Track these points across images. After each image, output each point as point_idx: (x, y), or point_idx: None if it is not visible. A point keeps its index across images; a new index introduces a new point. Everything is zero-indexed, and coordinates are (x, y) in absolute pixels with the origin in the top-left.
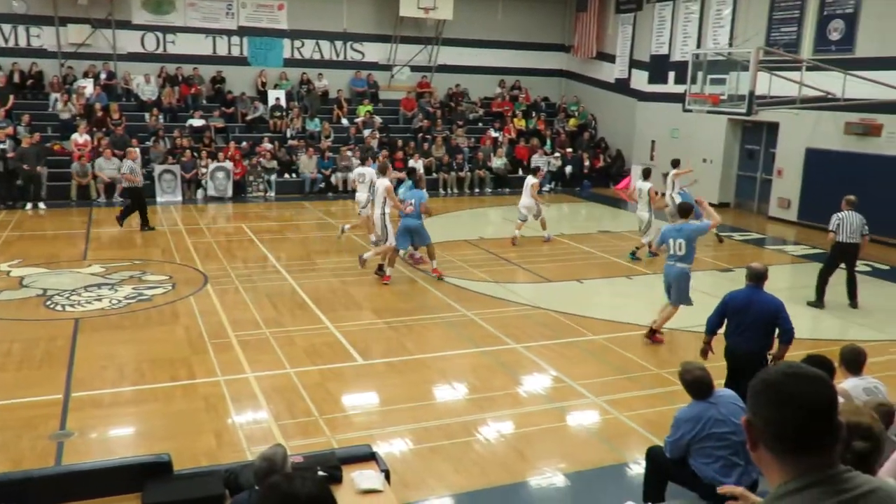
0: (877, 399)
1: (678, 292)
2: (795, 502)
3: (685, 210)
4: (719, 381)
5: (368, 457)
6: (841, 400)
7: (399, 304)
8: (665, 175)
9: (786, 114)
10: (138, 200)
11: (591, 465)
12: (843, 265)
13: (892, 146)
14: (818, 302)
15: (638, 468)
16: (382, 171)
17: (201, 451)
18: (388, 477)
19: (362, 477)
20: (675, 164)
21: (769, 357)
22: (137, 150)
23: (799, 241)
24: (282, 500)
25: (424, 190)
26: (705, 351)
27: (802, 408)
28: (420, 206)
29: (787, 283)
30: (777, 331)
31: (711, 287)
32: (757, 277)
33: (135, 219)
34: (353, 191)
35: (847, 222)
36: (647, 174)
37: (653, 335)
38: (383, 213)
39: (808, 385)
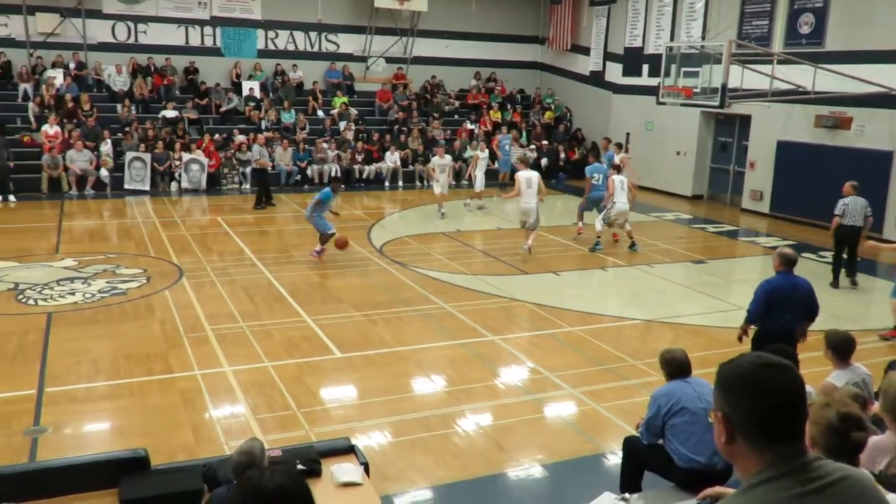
0: (852, 390)
1: None
2: (770, 490)
3: None
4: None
5: (347, 450)
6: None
7: (376, 296)
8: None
9: (758, 107)
10: (263, 181)
11: (569, 455)
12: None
13: (862, 139)
14: (834, 283)
15: (615, 458)
16: (525, 164)
17: (178, 446)
18: (367, 470)
19: (341, 470)
20: (620, 146)
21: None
22: (264, 135)
23: (771, 233)
24: (251, 492)
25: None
26: (741, 337)
27: (780, 396)
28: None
29: (759, 275)
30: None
31: (684, 279)
32: (793, 263)
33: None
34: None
35: (852, 206)
36: (619, 170)
37: None
38: (538, 202)
39: (781, 374)
